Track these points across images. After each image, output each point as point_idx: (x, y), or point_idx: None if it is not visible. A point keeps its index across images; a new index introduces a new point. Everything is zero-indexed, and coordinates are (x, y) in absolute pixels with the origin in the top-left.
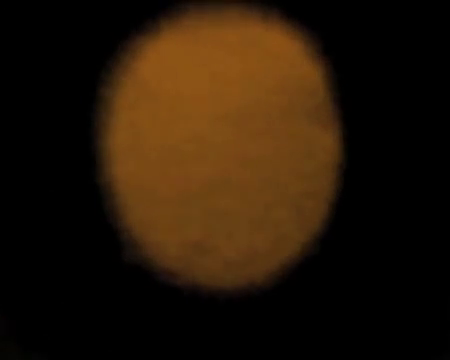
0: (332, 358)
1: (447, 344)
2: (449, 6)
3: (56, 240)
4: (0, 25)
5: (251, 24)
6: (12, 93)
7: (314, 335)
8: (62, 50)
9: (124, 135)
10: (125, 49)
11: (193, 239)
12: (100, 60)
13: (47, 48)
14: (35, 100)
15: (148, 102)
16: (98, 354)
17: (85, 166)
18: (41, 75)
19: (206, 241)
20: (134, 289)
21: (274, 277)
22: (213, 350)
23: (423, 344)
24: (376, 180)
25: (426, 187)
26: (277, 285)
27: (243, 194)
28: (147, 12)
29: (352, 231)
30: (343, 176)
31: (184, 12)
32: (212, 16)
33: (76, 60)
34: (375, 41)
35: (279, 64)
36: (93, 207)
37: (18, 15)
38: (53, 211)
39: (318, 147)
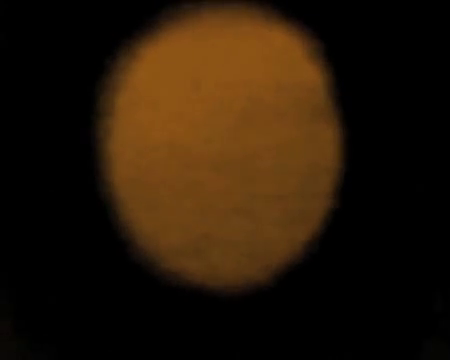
0: (332, 357)
1: (446, 344)
2: (449, 6)
3: (57, 241)
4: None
5: (251, 24)
6: (11, 95)
7: (314, 334)
8: (61, 51)
9: (124, 136)
10: (124, 50)
11: (193, 239)
12: (99, 61)
13: (46, 49)
14: (33, 102)
15: (148, 103)
16: (99, 353)
17: (85, 167)
18: (40, 76)
19: (206, 241)
20: (135, 289)
21: (274, 277)
22: (213, 350)
23: (421, 342)
24: (376, 180)
25: (426, 187)
26: (277, 285)
27: (243, 194)
28: (146, 13)
29: (352, 231)
30: (343, 175)
31: (184, 13)
32: (212, 17)
33: (74, 61)
34: (375, 41)
35: (280, 64)
36: (93, 208)
37: (17, 16)
38: (53, 212)
39: (318, 146)
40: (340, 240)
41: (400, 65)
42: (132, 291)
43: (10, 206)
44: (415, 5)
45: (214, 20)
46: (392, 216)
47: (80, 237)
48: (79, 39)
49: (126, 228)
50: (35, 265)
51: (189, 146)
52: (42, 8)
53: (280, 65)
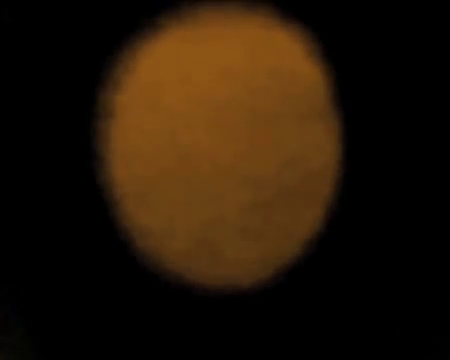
0: (332, 357)
1: (446, 344)
2: (449, 6)
3: (57, 241)
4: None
5: (251, 24)
6: (11, 95)
7: (314, 335)
8: (60, 51)
9: (124, 136)
10: (125, 49)
11: (193, 239)
12: (99, 61)
13: (45, 49)
14: (33, 102)
15: (148, 103)
16: (100, 354)
17: (85, 167)
18: (39, 77)
19: (206, 241)
20: (136, 289)
21: (274, 277)
22: (214, 350)
23: (421, 342)
24: (376, 180)
25: (427, 187)
26: (277, 285)
27: (244, 194)
28: (147, 12)
29: (352, 231)
30: (343, 176)
31: (184, 12)
32: (212, 16)
33: (74, 61)
34: (375, 41)
35: (280, 64)
36: (93, 208)
37: (17, 16)
38: (53, 212)
39: (318, 146)
40: (340, 241)
41: (400, 65)
42: (133, 291)
43: (9, 207)
44: (415, 5)
45: (214, 20)
46: (393, 216)
47: (80, 237)
48: (79, 39)
49: (126, 228)
50: (35, 265)
51: (189, 146)
52: (42, 8)
53: (280, 65)
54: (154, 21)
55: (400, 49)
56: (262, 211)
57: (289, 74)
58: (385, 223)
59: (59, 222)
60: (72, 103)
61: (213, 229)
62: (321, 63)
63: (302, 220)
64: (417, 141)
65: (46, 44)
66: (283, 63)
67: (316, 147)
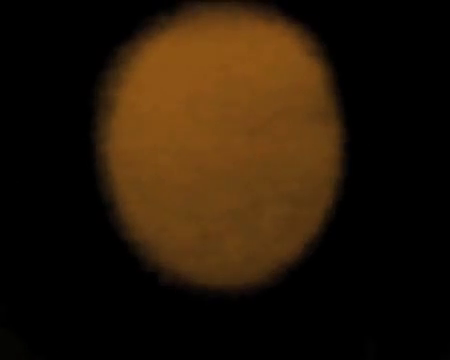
0: (332, 358)
1: (447, 345)
2: (449, 6)
3: (57, 241)
4: (0, 26)
5: (252, 25)
6: (12, 94)
7: (314, 335)
8: (61, 51)
9: (124, 135)
10: (125, 49)
11: (193, 239)
12: (99, 61)
13: (46, 49)
14: (33, 102)
15: (148, 103)
16: (100, 354)
17: (85, 167)
18: (40, 76)
19: (206, 241)
20: (135, 290)
21: (274, 277)
22: (213, 350)
23: (422, 343)
24: (377, 179)
25: (427, 187)
26: (276, 287)
27: (243, 194)
28: (147, 12)
29: (352, 231)
30: (343, 175)
31: (185, 12)
32: (212, 17)
33: (75, 61)
34: (375, 41)
35: (280, 64)
36: (93, 208)
37: (18, 16)
38: (54, 212)
39: (318, 146)
40: (340, 242)
41: (400, 65)
42: (132, 292)
43: (10, 207)
44: (415, 5)
45: (215, 20)
46: (393, 216)
47: (80, 237)
48: (80, 39)
49: (126, 228)
50: (35, 265)
51: (189, 146)
52: (43, 8)
53: (280, 65)
54: (154, 21)
55: (400, 49)
56: (262, 211)
57: (290, 74)
58: (385, 221)
59: (58, 222)
60: (72, 102)
61: (212, 229)
62: (322, 63)
63: (302, 220)
64: (417, 141)
65: (46, 44)
66: (284, 63)
67: (317, 146)
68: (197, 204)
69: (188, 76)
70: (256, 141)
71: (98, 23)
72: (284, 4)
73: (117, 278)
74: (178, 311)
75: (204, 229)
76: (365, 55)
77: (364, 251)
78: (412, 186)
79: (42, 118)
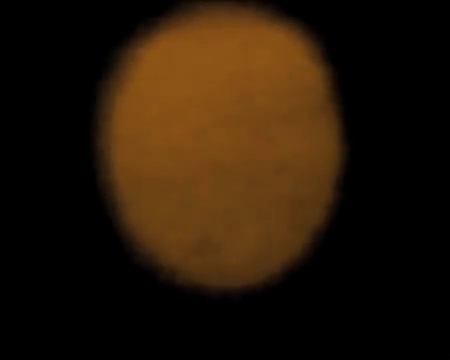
0: (332, 358)
1: (446, 344)
2: (449, 6)
3: (57, 241)
4: (0, 24)
5: (252, 24)
6: (11, 94)
7: (315, 335)
8: (61, 51)
9: (124, 136)
10: (125, 49)
11: (193, 239)
12: (98, 62)
13: (46, 49)
14: (33, 102)
15: (148, 103)
16: (100, 354)
17: (85, 167)
18: (40, 77)
19: (206, 241)
20: (136, 289)
21: (274, 278)
22: (214, 350)
23: (424, 344)
24: (377, 179)
25: (428, 186)
26: (278, 286)
27: (243, 194)
28: (146, 13)
29: (354, 231)
30: (344, 175)
31: (185, 12)
32: (212, 17)
33: (75, 62)
34: (375, 41)
35: (280, 64)
36: (93, 208)
37: (18, 16)
38: (54, 213)
39: (318, 146)
40: (341, 242)
41: (400, 64)
42: (134, 291)
43: (10, 207)
44: (415, 5)
45: (215, 20)
46: (393, 215)
47: (81, 237)
48: (79, 39)
49: (127, 228)
50: (35, 265)
51: (189, 146)
52: (43, 8)
53: (280, 65)
54: (154, 21)
55: (400, 48)
56: (263, 211)
57: (290, 74)
58: (386, 221)
59: (58, 222)
60: (72, 103)
61: (212, 229)
62: (323, 63)
63: (303, 220)
64: (418, 140)
65: (46, 44)
66: (283, 62)
67: (317, 146)
68: (197, 204)
69: (188, 76)
70: (256, 141)
71: (98, 24)
72: (284, 4)
73: (117, 278)
74: (178, 311)
75: (204, 229)
76: (365, 55)
77: (365, 251)
78: (413, 186)
79: (41, 120)
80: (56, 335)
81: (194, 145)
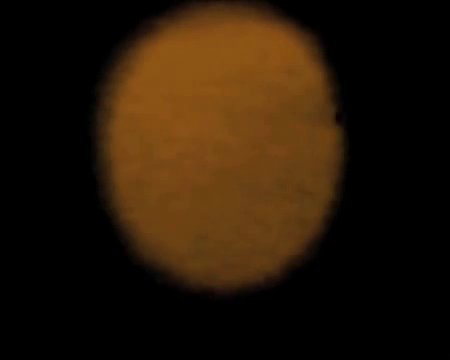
0: (332, 358)
1: (446, 344)
2: (449, 7)
3: (57, 242)
4: (0, 25)
5: (253, 25)
6: (11, 94)
7: (315, 335)
8: (61, 51)
9: (124, 136)
10: (126, 49)
11: (193, 238)
12: (98, 62)
13: (46, 50)
14: (33, 103)
15: (149, 102)
16: (100, 353)
17: (85, 168)
18: (40, 77)
19: (206, 240)
20: (135, 290)
21: (274, 277)
22: (213, 349)
23: (424, 344)
24: (377, 179)
25: (427, 187)
26: (277, 285)
27: (243, 193)
28: (148, 12)
29: (353, 230)
30: (344, 175)
31: (185, 12)
32: (213, 16)
33: (75, 62)
34: (376, 42)
35: (280, 64)
36: (93, 207)
37: (18, 16)
38: (54, 213)
39: (319, 146)
40: (340, 242)
41: (400, 66)
42: (132, 292)
43: (10, 207)
44: (415, 5)
45: (216, 21)
46: (393, 215)
47: (80, 238)
48: (79, 40)
49: (127, 230)
50: (35, 265)
51: (190, 147)
52: (43, 7)
53: (280, 65)
54: (154, 22)
55: (400, 49)
56: (263, 212)
57: (291, 75)
58: (386, 221)
59: (58, 223)
60: (72, 103)
61: (213, 229)
62: (324, 66)
63: (304, 221)
64: (418, 143)
65: (47, 44)
66: (285, 64)
67: (318, 147)
68: (198, 205)
69: (186, 77)
70: (256, 141)
71: (98, 24)
72: (285, 5)
73: (117, 278)
74: (178, 311)
75: (205, 230)
76: (367, 56)
77: (365, 251)
78: (413, 186)
79: (42, 121)
80: (56, 335)
81: (194, 145)
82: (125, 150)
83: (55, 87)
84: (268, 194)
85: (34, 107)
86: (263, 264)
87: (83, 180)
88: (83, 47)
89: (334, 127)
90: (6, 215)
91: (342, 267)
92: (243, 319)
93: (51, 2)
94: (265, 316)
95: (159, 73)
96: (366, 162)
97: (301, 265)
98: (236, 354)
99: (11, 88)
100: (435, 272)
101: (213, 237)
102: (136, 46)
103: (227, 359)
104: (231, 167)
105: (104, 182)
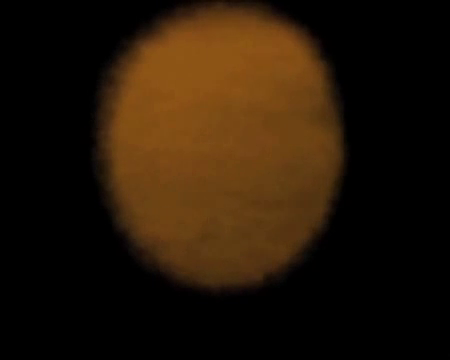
0: (332, 358)
1: (446, 344)
2: (449, 6)
3: (56, 241)
4: (0, 25)
5: (253, 24)
6: (12, 94)
7: (314, 336)
8: (61, 51)
9: (124, 135)
10: (126, 49)
11: (192, 238)
12: (101, 60)
13: (46, 50)
14: (33, 103)
15: (149, 102)
16: (98, 353)
17: (85, 167)
18: (40, 77)
19: (205, 240)
20: (133, 287)
21: (274, 277)
22: (213, 349)
23: (424, 344)
24: (377, 180)
25: (427, 187)
26: (273, 286)
27: (244, 193)
28: (146, 13)
29: (353, 231)
30: (344, 175)
31: (185, 12)
32: (213, 16)
33: (75, 62)
34: (376, 41)
35: (280, 64)
36: (93, 206)
37: (18, 15)
38: (53, 212)
39: (319, 147)
40: (340, 243)
41: (400, 65)
42: (130, 289)
43: (9, 207)
44: (415, 5)
45: (216, 22)
46: (393, 215)
47: (80, 237)
48: (79, 40)
49: (126, 229)
50: (35, 264)
51: (189, 146)
52: (43, 8)
53: (280, 66)
54: (154, 21)
55: (400, 49)
56: (263, 212)
57: (291, 76)
58: (386, 221)
59: (58, 222)
60: (72, 103)
61: (213, 229)
62: (324, 64)
63: (303, 221)
64: (418, 142)
65: (47, 44)
66: (285, 65)
67: (318, 147)
68: (197, 204)
69: (189, 76)
70: (256, 141)
71: (98, 25)
72: (285, 6)
73: (116, 278)
74: (178, 311)
75: (204, 229)
76: (367, 57)
77: (364, 251)
78: (413, 186)
79: (42, 119)
80: (56, 335)
81: (194, 145)
82: (125, 150)
83: (55, 87)
84: (267, 194)
85: (34, 107)
86: (263, 264)
87: (83, 180)
88: (83, 47)
89: (334, 127)
90: (6, 214)
91: (342, 267)
92: (243, 319)
93: (51, 2)
94: (265, 316)
95: (159, 73)
96: (366, 162)
97: (301, 265)
98: (236, 354)
99: (11, 88)
100: (435, 272)
101: (213, 237)
102: (136, 46)
103: (227, 359)
104: (230, 167)
105: (104, 182)
